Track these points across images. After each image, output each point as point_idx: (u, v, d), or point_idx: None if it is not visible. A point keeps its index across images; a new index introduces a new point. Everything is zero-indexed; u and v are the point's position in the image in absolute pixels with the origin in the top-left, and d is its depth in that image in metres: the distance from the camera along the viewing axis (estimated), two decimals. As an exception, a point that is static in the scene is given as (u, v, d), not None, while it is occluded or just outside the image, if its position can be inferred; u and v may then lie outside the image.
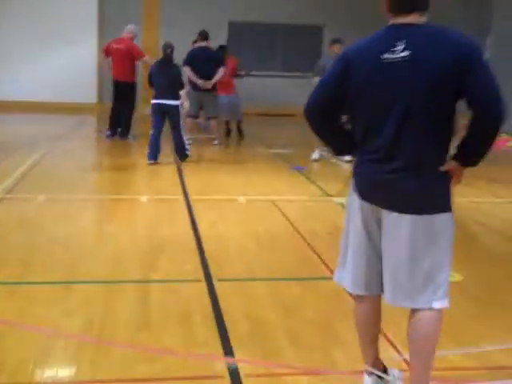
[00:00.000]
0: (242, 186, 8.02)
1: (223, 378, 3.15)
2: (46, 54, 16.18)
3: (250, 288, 4.47)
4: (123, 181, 8.29)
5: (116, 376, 3.14)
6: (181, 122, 9.24)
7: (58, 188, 7.45)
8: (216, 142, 11.26)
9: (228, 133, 12.29)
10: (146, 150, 9.16)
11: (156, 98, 9.14)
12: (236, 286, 4.49)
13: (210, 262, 4.88)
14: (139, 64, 11.93)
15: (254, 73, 14.59)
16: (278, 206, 6.79)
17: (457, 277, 4.73)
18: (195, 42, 11.75)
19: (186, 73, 10.87)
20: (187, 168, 8.95)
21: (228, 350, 3.44)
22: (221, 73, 10.97)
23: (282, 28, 16.92)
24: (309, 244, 5.40)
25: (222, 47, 12.38)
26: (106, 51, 11.49)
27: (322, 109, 2.83)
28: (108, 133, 11.51)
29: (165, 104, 9.03)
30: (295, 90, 13.70)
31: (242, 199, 7.15)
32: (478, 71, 2.50)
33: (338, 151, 3.14)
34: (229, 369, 3.23)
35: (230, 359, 3.34)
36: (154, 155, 9.09)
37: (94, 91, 16.52)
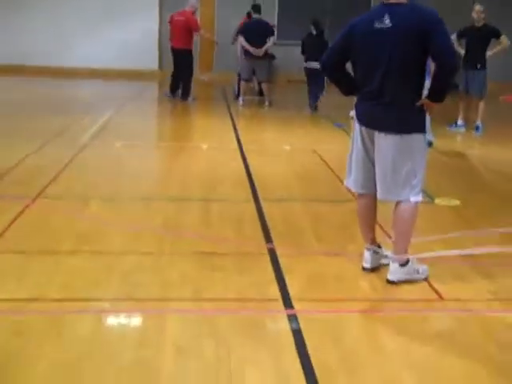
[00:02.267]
0: (288, 137, 9.27)
1: (266, 255, 4.44)
2: (111, 25, 17.51)
3: (288, 205, 5.76)
4: (187, 132, 9.66)
5: (185, 251, 4.47)
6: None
7: (132, 137, 8.85)
8: (267, 103, 12.47)
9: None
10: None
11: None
12: (278, 204, 5.76)
13: (258, 189, 6.17)
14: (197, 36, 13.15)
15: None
16: (317, 153, 8.01)
17: (454, 202, 5.93)
18: (248, 13, 12.98)
19: (240, 41, 12.15)
20: (241, 123, 10.23)
21: (269, 240, 4.72)
22: (271, 42, 12.18)
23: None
24: (338, 177, 6.63)
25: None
26: (170, 22, 12.78)
27: (333, 60, 4.07)
28: (168, 94, 12.83)
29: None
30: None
31: (287, 147, 8.41)
32: (436, 34, 3.68)
33: (347, 92, 4.34)
34: (269, 249, 4.52)
35: (270, 245, 4.62)
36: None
37: (155, 58, 17.85)
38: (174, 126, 10.34)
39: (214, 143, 8.62)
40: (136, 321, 3.48)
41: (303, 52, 11.92)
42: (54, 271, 4.03)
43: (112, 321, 3.46)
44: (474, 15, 9.90)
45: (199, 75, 17.14)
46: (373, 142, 4.01)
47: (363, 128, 4.04)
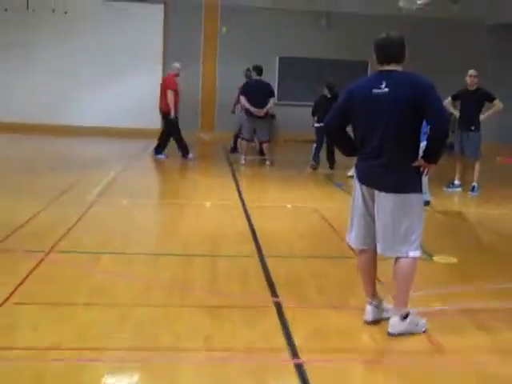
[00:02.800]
0: (289, 196, 9.53)
1: (272, 308, 4.62)
2: (114, 84, 18.02)
3: (291, 261, 5.98)
4: (190, 190, 9.93)
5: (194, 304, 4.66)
6: None
7: (137, 194, 9.11)
8: (268, 162, 12.79)
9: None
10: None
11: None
12: (281, 260, 5.97)
13: (261, 245, 6.39)
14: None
15: (303, 103, 16.32)
16: (318, 211, 8.26)
17: (452, 260, 6.14)
18: (248, 70, 13.44)
19: (242, 101, 12.58)
20: (243, 182, 10.52)
21: (274, 294, 4.92)
22: (272, 103, 12.60)
23: (329, 63, 18.41)
24: (339, 235, 6.85)
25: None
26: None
27: (335, 123, 4.35)
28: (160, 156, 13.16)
29: None
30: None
31: (288, 206, 8.66)
32: (430, 100, 3.98)
33: (347, 153, 4.60)
34: (275, 303, 4.71)
35: (275, 298, 4.82)
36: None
37: (157, 117, 18.27)
38: (177, 184, 10.63)
39: (217, 201, 8.87)
40: (149, 370, 3.65)
41: (314, 113, 12.38)
42: (69, 322, 4.21)
43: (126, 370, 3.63)
44: (468, 79, 10.29)
45: (200, 134, 17.58)
46: (373, 199, 4.25)
47: (363, 186, 4.29)
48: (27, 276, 5.05)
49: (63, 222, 7.01)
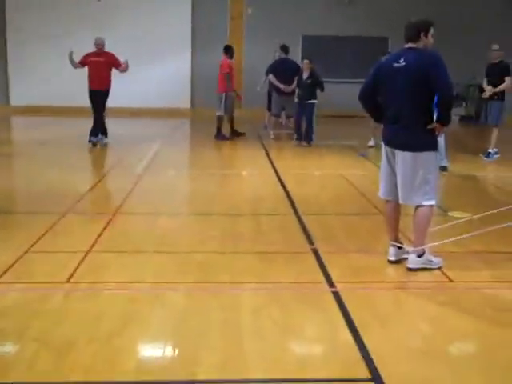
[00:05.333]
0: (317, 165, 10.41)
1: (309, 253, 5.51)
2: (148, 67, 18.92)
3: (323, 217, 6.87)
4: (227, 162, 10.87)
5: (244, 251, 5.56)
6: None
7: (180, 166, 10.07)
8: (295, 136, 13.60)
9: None
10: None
11: None
12: (314, 216, 6.84)
13: (296, 205, 7.28)
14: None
15: (326, 79, 17.15)
16: (344, 177, 9.12)
17: (466, 214, 6.96)
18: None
19: (270, 79, 13.44)
20: (274, 154, 11.41)
21: (310, 242, 5.80)
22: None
23: (351, 40, 19.12)
24: (363, 196, 7.70)
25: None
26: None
27: (366, 93, 5.22)
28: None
29: None
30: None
31: (317, 173, 9.53)
32: (436, 72, 4.81)
33: (377, 118, 5.44)
34: (312, 249, 5.60)
35: (312, 246, 5.70)
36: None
37: (187, 98, 19.21)
38: (214, 157, 11.56)
39: (252, 170, 9.76)
40: (215, 297, 4.55)
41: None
42: (145, 264, 5.15)
43: (198, 296, 4.54)
44: (491, 53, 11.17)
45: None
46: (395, 158, 5.11)
47: (387, 147, 5.16)
48: (101, 232, 5.99)
49: (119, 190, 7.96)
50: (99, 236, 5.87)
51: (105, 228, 6.14)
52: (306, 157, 11.33)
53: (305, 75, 12.79)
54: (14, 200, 7.82)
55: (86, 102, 12.25)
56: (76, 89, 18.22)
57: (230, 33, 19.08)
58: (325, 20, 18.86)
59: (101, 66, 11.92)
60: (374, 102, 5.27)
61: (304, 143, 12.60)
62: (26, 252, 5.33)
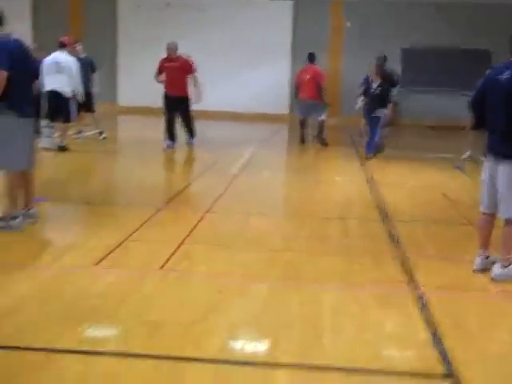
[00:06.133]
0: (410, 174, 10.38)
1: (395, 258, 5.59)
2: (249, 73, 19.42)
3: (411, 224, 6.89)
4: (321, 167, 11.03)
5: (330, 252, 5.71)
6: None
7: (274, 169, 10.34)
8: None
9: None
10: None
11: None
12: (402, 223, 6.87)
13: (385, 212, 7.34)
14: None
15: (425, 88, 17.21)
16: (436, 187, 9.08)
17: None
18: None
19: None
20: (367, 162, 11.45)
21: (397, 247, 5.87)
22: (395, 91, 13.42)
23: (451, 53, 18.85)
24: (454, 205, 7.68)
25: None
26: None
27: (475, 99, 5.30)
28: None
29: None
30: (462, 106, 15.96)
31: (409, 182, 9.53)
32: None
33: (477, 125, 5.48)
34: (397, 254, 5.67)
35: (398, 251, 5.77)
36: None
37: (286, 104, 19.49)
38: (309, 161, 11.76)
39: (344, 176, 9.88)
40: (298, 293, 4.70)
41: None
42: (234, 258, 5.39)
43: (282, 291, 4.72)
44: None
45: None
46: (496, 170, 5.12)
47: (490, 158, 5.18)
48: (194, 226, 6.30)
49: (214, 189, 8.28)
50: (192, 230, 6.16)
51: (197, 224, 6.44)
52: (400, 166, 11.30)
53: (374, 84, 11.95)
54: (116, 193, 8.33)
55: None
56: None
57: (329, 44, 19.22)
58: (424, 32, 18.66)
59: (175, 72, 11.82)
60: (481, 108, 5.28)
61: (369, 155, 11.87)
62: (123, 241, 5.68)
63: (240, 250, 5.66)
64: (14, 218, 5.92)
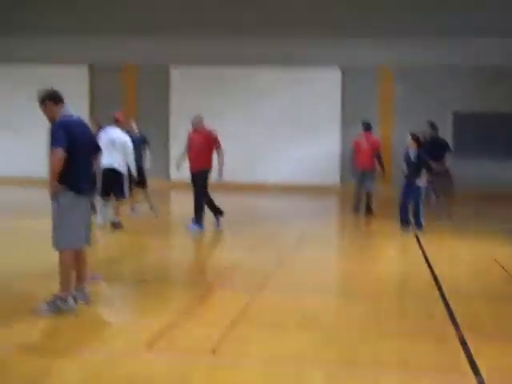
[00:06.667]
0: (467, 247, 10.08)
1: (456, 340, 5.35)
2: (297, 145, 19.50)
3: (470, 301, 6.64)
4: (373, 238, 10.83)
5: (387, 333, 5.50)
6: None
7: (327, 243, 10.26)
8: (446, 216, 13.19)
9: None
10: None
11: None
12: (461, 301, 6.62)
13: (444, 287, 7.11)
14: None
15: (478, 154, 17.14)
16: (495, 260, 8.78)
17: None
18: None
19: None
20: (421, 234, 11.20)
21: (457, 327, 5.63)
22: (449, 157, 13.23)
23: (505, 117, 18.64)
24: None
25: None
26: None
27: None
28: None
29: None
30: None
31: (466, 256, 9.28)
32: None
33: None
34: (458, 336, 5.43)
35: (458, 332, 5.53)
36: None
37: (337, 174, 19.44)
38: (361, 237, 11.55)
39: (399, 250, 9.71)
40: (358, 376, 4.53)
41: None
42: (286, 340, 5.24)
43: (338, 377, 4.54)
44: None
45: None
46: None
47: None
48: (246, 305, 6.24)
49: (265, 266, 8.25)
50: (243, 309, 6.06)
51: (249, 302, 6.34)
52: (456, 238, 11.01)
53: (412, 153, 11.55)
54: (169, 271, 8.26)
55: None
56: (234, 165, 19.25)
57: (379, 111, 19.24)
58: (475, 96, 18.55)
59: (198, 145, 11.00)
60: None
61: (411, 229, 11.45)
62: (176, 321, 5.62)
63: (293, 331, 5.51)
64: (66, 299, 5.91)
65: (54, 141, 5.79)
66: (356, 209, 13.67)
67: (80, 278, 6.20)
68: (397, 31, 15.46)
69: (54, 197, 5.90)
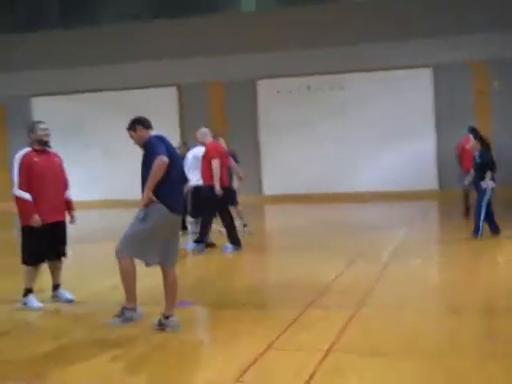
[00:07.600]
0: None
1: None
2: (390, 150, 18.79)
3: None
4: (476, 248, 9.98)
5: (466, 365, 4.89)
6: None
7: (428, 252, 9.67)
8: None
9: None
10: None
11: None
12: None
13: None
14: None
15: None
16: None
17: None
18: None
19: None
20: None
21: None
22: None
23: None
24: None
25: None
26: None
27: None
28: None
29: None
30: None
31: None
32: None
33: None
34: None
35: None
36: None
37: (435, 178, 18.56)
38: (464, 243, 10.64)
39: (508, 257, 8.91)
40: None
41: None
42: (387, 370, 4.70)
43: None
44: None
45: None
46: None
47: None
48: (344, 327, 5.73)
49: (363, 281, 7.70)
50: (341, 332, 5.59)
51: (347, 324, 5.86)
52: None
53: (476, 154, 10.56)
54: (261, 292, 7.81)
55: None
56: (327, 176, 18.80)
57: (475, 108, 18.26)
58: None
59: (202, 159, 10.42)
60: None
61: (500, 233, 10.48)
62: (266, 349, 5.22)
63: (395, 358, 4.98)
64: (135, 308, 6.04)
65: (157, 149, 5.74)
66: (466, 213, 13.12)
67: (168, 304, 5.96)
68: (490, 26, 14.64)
69: (146, 207, 5.78)
